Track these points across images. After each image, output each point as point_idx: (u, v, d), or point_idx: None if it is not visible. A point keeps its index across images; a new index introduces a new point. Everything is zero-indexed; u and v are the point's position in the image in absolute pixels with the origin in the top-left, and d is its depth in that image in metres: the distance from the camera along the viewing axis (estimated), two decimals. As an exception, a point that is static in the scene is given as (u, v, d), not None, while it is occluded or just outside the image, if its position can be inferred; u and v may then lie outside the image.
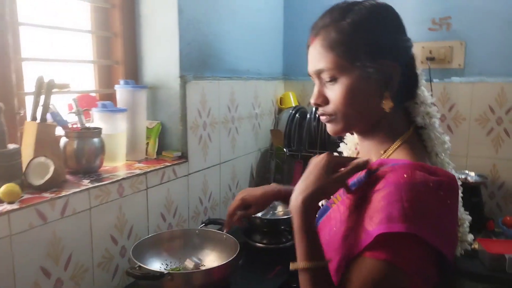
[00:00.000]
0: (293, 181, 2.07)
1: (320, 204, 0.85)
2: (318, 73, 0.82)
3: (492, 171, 1.93)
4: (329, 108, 0.82)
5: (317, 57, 0.82)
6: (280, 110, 2.30)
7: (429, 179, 0.72)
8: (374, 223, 0.70)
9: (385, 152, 0.83)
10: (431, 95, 0.89)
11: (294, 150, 2.12)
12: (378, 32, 0.79)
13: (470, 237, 0.91)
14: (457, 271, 0.88)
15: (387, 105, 0.79)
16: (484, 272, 1.45)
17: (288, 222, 1.60)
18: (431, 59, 1.97)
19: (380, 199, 0.72)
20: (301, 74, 2.33)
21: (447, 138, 0.88)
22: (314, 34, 0.83)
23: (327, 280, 0.74)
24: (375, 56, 0.78)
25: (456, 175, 0.81)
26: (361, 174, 0.82)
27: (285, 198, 1.24)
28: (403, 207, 0.69)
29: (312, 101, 0.84)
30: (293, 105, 2.26)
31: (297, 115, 2.14)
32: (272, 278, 1.32)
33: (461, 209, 0.87)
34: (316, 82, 0.84)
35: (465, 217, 0.90)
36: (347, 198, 0.83)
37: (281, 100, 2.30)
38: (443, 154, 0.87)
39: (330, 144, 2.01)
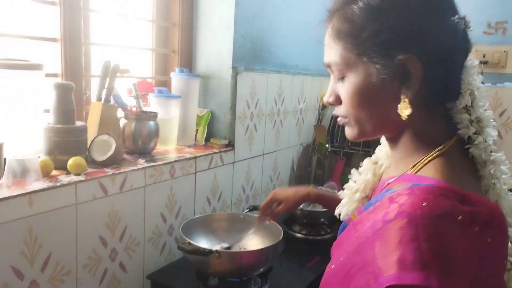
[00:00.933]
0: (333, 177, 2.09)
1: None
2: (329, 67, 0.69)
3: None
4: (341, 109, 0.69)
5: (327, 48, 0.69)
6: (324, 107, 2.32)
7: (458, 209, 0.54)
8: (385, 267, 0.52)
9: (414, 166, 0.65)
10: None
11: (336, 146, 2.13)
12: (396, 16, 0.62)
13: None
14: None
15: (403, 110, 0.62)
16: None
17: (327, 215, 1.64)
18: (484, 63, 1.93)
19: (390, 234, 0.54)
20: (348, 72, 2.33)
21: (502, 156, 0.66)
22: (327, 20, 0.69)
23: None
24: (388, 48, 0.62)
25: None
26: (383, 190, 0.67)
27: (314, 200, 1.28)
28: (419, 248, 0.51)
29: (324, 99, 0.73)
30: (338, 102, 2.28)
31: (341, 112, 2.15)
32: (311, 266, 1.36)
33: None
34: (331, 77, 0.70)
35: None
36: (360, 220, 0.65)
37: (326, 97, 2.32)
38: (499, 178, 0.66)
39: (373, 142, 2.01)
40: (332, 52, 0.67)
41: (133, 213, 1.22)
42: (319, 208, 1.72)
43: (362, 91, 0.65)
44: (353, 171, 0.86)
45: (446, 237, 0.53)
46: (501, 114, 1.94)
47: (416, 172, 0.64)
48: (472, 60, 0.67)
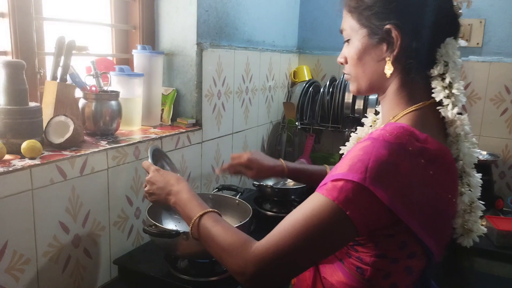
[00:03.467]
0: (303, 154, 2.09)
1: None
2: (341, 32, 0.89)
3: (504, 151, 1.93)
4: (347, 67, 0.88)
5: (343, 18, 0.88)
6: (293, 84, 2.30)
7: (411, 143, 0.71)
8: (340, 169, 0.72)
9: (394, 117, 0.82)
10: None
11: (306, 123, 2.12)
12: None
13: (482, 229, 0.84)
14: (459, 248, 0.85)
15: (387, 69, 0.80)
16: (492, 248, 1.47)
17: (298, 192, 1.63)
18: (449, 36, 1.94)
19: (356, 149, 0.73)
20: (316, 48, 2.32)
21: (465, 118, 0.80)
22: None
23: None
24: (381, 18, 0.79)
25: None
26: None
27: (288, 176, 1.29)
28: (368, 160, 0.69)
29: (337, 60, 0.91)
30: (307, 79, 2.26)
31: (310, 89, 2.14)
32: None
33: (473, 194, 0.82)
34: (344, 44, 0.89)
35: (477, 205, 0.83)
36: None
37: (295, 74, 2.29)
38: (461, 136, 0.80)
39: (343, 118, 2.01)
40: (344, 20, 0.87)
41: (96, 197, 1.17)
42: (289, 185, 1.71)
43: (359, 51, 0.83)
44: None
45: (392, 158, 0.70)
46: (465, 87, 1.97)
47: (395, 122, 0.79)
48: (455, 38, 0.81)
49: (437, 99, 0.80)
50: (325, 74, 2.30)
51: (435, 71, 0.80)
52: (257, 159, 1.24)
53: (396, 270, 0.78)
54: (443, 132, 0.82)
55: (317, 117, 2.10)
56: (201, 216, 0.87)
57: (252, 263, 0.73)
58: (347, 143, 1.04)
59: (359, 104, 1.98)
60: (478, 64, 1.95)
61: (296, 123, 2.12)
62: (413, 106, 0.80)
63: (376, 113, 0.99)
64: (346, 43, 0.88)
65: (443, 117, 0.81)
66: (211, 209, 0.90)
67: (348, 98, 1.99)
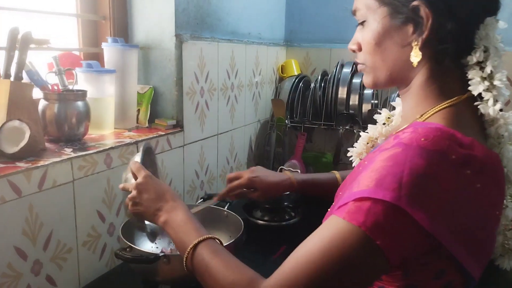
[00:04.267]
0: (295, 154, 1.94)
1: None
2: (354, 13, 0.74)
3: None
4: (361, 55, 0.74)
5: None
6: (281, 79, 2.15)
7: (454, 150, 0.58)
8: (363, 184, 0.58)
9: (421, 115, 0.67)
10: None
11: (296, 121, 1.97)
12: None
13: None
14: (496, 271, 0.72)
15: (413, 57, 0.65)
16: None
17: (291, 198, 1.48)
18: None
19: (382, 159, 0.59)
20: (304, 40, 2.17)
21: (509, 115, 0.66)
22: None
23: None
24: None
25: None
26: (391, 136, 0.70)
27: (297, 191, 1.14)
28: (401, 173, 0.55)
29: (348, 46, 0.76)
30: (296, 73, 2.11)
31: (300, 84, 1.99)
32: (277, 259, 1.20)
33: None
34: (357, 28, 0.75)
35: None
36: (364, 159, 0.75)
37: (283, 68, 2.14)
38: (505, 138, 0.66)
39: (337, 115, 1.87)
40: None
41: (59, 215, 1.00)
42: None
43: (378, 35, 0.69)
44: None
45: (432, 170, 0.56)
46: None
47: (423, 121, 0.66)
48: (495, 18, 0.66)
49: (475, 93, 0.65)
50: (315, 68, 2.15)
51: (473, 59, 0.65)
52: (260, 178, 1.10)
53: None
54: (482, 132, 0.68)
55: (308, 114, 1.95)
56: (197, 244, 0.73)
57: None
58: (355, 144, 0.89)
59: (354, 100, 1.84)
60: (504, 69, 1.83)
61: (286, 121, 1.97)
62: (446, 102, 0.66)
63: (391, 109, 0.85)
64: (360, 26, 0.73)
65: (481, 115, 0.66)
66: (209, 236, 0.75)
67: (342, 93, 1.84)
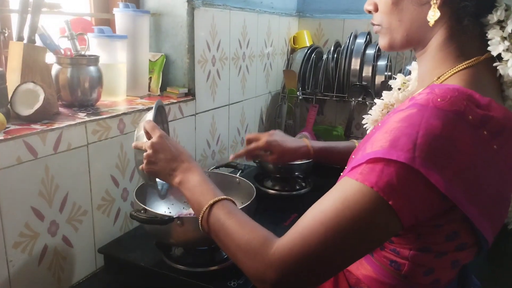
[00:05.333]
0: (306, 127, 1.93)
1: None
2: None
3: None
4: (377, 16, 0.72)
5: None
6: (293, 50, 2.12)
7: (471, 110, 0.57)
8: (376, 145, 0.57)
9: (439, 77, 0.66)
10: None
11: (308, 93, 1.95)
12: None
13: None
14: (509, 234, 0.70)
15: (431, 15, 0.63)
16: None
17: (302, 168, 1.48)
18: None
19: (397, 120, 0.58)
20: (317, 10, 2.12)
21: None
22: None
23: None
24: None
25: None
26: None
27: (314, 158, 1.13)
28: (416, 134, 0.54)
29: (364, 7, 0.73)
30: (308, 45, 2.08)
31: (312, 55, 1.96)
32: (288, 226, 1.21)
33: None
34: None
35: None
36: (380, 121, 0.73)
37: (295, 40, 2.11)
38: None
39: (349, 87, 1.85)
40: None
41: (74, 178, 1.01)
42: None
43: None
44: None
45: (448, 131, 0.55)
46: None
47: (441, 82, 0.64)
48: None
49: (494, 54, 0.64)
50: (328, 39, 2.12)
51: (494, 17, 0.63)
52: (277, 142, 1.09)
53: (441, 266, 0.64)
54: (501, 94, 0.66)
55: (320, 86, 1.93)
56: (213, 205, 0.72)
57: (274, 268, 0.58)
58: (371, 111, 0.87)
59: (367, 71, 1.81)
60: None
61: (298, 93, 1.95)
62: (464, 63, 0.64)
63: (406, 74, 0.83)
64: None
65: (500, 76, 0.65)
66: (224, 197, 0.74)
67: (355, 64, 1.82)
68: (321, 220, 0.57)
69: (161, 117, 1.01)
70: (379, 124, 0.67)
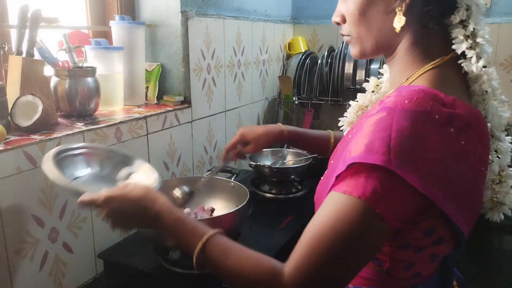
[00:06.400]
0: (302, 131, 1.96)
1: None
2: None
3: (516, 119, 1.81)
4: (345, 27, 0.74)
5: None
6: (288, 56, 2.16)
7: (437, 109, 0.59)
8: (354, 150, 0.59)
9: (407, 79, 0.68)
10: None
11: (303, 98, 1.99)
12: None
13: None
14: (487, 224, 0.72)
15: (397, 22, 0.66)
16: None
17: (298, 171, 1.51)
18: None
19: (369, 124, 0.60)
20: (311, 17, 2.16)
21: (492, 71, 0.67)
22: None
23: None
24: None
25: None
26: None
27: (288, 140, 1.15)
28: (389, 137, 0.57)
29: (332, 19, 0.75)
30: (303, 50, 2.11)
31: (307, 60, 2.00)
32: (283, 228, 1.24)
33: (502, 161, 0.71)
34: (339, 1, 0.76)
35: (508, 173, 0.72)
36: (353, 126, 0.76)
37: (290, 46, 2.15)
38: (489, 94, 0.67)
39: (343, 91, 1.88)
40: None
41: (73, 185, 1.04)
42: (289, 164, 1.59)
43: (362, 4, 0.68)
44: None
45: (417, 131, 0.57)
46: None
47: (409, 84, 0.67)
48: None
49: (458, 52, 0.66)
50: (322, 44, 2.15)
51: (457, 17, 0.66)
52: (250, 129, 1.12)
53: (420, 260, 0.66)
54: (466, 91, 0.69)
55: (315, 90, 1.96)
56: (203, 247, 0.66)
57: None
58: (346, 114, 0.90)
59: (360, 75, 1.84)
60: (486, 27, 1.81)
61: (293, 98, 1.98)
62: (430, 64, 0.67)
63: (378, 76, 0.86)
64: None
65: (466, 73, 0.67)
66: (210, 233, 0.67)
67: (349, 68, 1.85)
68: (319, 240, 0.58)
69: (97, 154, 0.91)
70: (354, 130, 0.69)
